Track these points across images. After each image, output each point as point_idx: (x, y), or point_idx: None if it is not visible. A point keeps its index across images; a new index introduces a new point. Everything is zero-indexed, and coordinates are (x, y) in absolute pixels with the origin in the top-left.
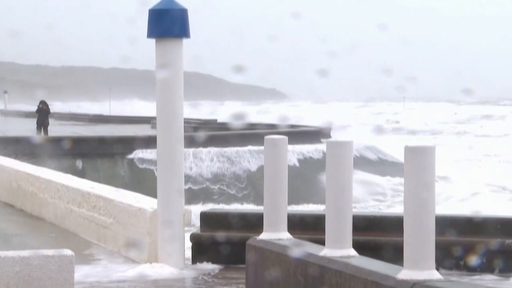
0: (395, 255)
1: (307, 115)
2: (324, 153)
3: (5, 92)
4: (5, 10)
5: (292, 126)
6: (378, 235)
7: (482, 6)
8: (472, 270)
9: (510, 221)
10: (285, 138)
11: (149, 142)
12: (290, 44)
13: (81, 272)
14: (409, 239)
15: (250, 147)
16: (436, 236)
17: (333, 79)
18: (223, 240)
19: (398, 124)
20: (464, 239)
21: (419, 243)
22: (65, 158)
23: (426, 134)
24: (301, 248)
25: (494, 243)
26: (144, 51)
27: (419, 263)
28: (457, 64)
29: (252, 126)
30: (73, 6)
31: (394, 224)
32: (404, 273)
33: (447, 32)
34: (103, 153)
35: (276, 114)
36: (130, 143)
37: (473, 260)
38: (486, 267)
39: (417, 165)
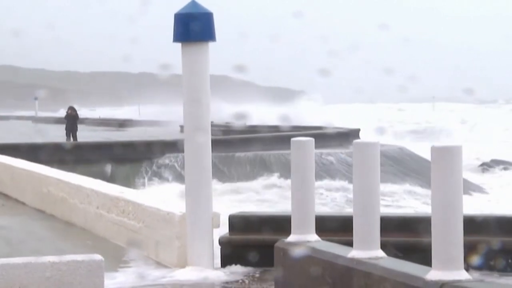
0: (426, 256)
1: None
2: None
3: (35, 98)
4: (38, 18)
5: (320, 128)
6: (408, 236)
7: (482, 6)
8: (502, 270)
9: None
10: (311, 140)
11: (179, 146)
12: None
13: (111, 277)
14: (437, 240)
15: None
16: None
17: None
18: (251, 243)
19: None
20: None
21: (447, 243)
22: (94, 163)
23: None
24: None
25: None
26: (171, 55)
27: (448, 264)
28: (458, 64)
29: (276, 129)
30: (100, 13)
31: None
32: (433, 274)
33: (448, 32)
34: (132, 158)
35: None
36: (159, 147)
37: (475, 259)
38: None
39: (444, 165)
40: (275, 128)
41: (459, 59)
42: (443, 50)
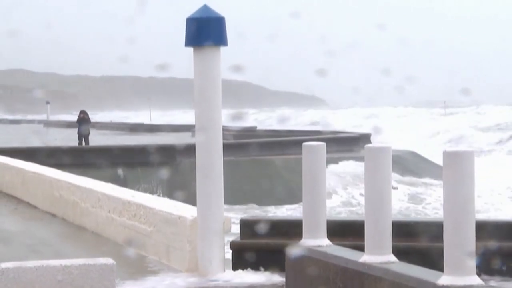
0: (436, 260)
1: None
2: None
3: (47, 102)
4: (49, 22)
5: (332, 132)
6: (418, 241)
7: (482, 6)
8: None
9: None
10: (323, 144)
11: (190, 150)
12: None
13: (122, 281)
14: (449, 244)
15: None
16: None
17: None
18: (263, 247)
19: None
20: None
21: (459, 248)
22: (106, 167)
23: None
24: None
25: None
26: (183, 60)
27: (460, 269)
28: (457, 64)
29: (290, 133)
30: (107, 17)
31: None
32: (444, 279)
33: (446, 32)
34: (144, 161)
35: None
36: (171, 151)
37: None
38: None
39: (456, 170)
40: (288, 133)
41: (457, 59)
42: (442, 51)
